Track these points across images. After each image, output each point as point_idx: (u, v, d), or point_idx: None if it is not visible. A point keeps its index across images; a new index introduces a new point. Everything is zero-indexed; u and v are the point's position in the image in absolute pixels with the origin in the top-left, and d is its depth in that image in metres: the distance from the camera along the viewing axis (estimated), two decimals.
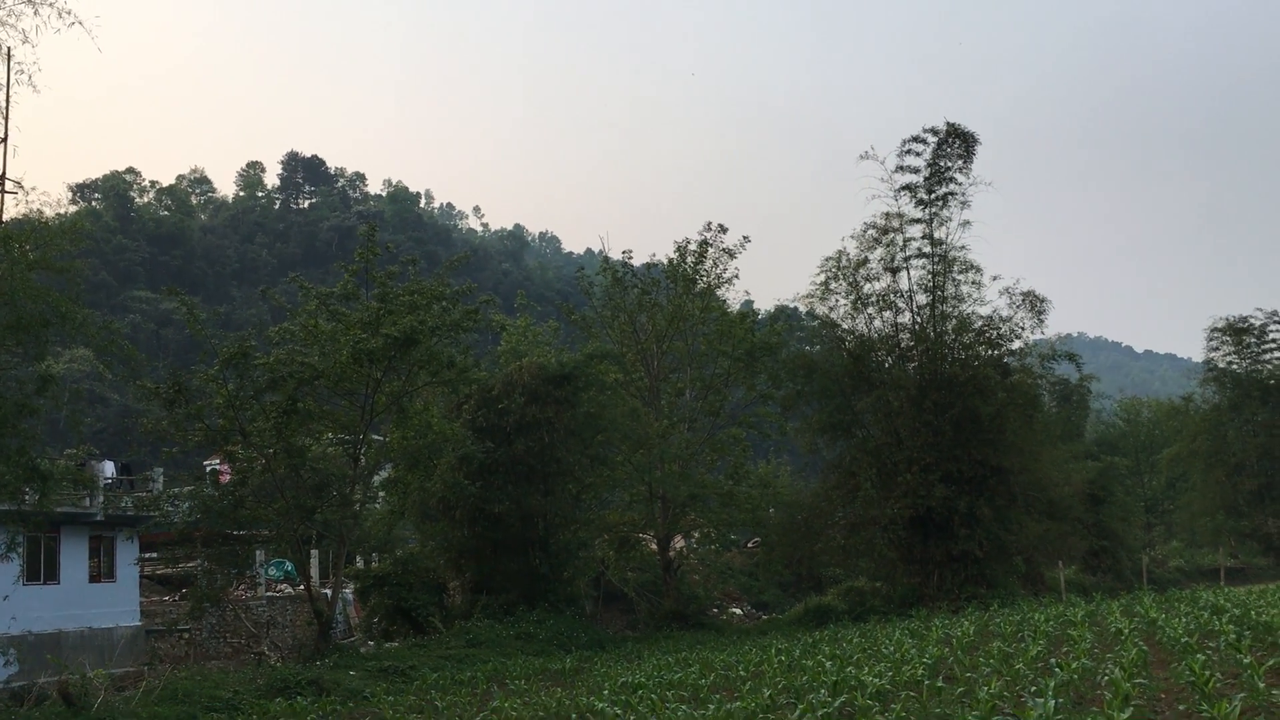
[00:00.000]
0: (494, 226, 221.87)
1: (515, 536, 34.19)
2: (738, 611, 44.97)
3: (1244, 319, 63.17)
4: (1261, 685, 10.32)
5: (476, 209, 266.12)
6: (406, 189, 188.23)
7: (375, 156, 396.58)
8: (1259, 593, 26.96)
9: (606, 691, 17.03)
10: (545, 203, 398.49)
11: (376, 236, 31.67)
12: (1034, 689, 11.51)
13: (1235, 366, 63.41)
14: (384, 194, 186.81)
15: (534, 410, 33.85)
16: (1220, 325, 63.59)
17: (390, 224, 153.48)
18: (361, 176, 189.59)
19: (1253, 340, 63.03)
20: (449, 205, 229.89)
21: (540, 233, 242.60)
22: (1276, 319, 62.95)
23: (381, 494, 36.06)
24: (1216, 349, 63.96)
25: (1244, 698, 10.01)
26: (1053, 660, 14.08)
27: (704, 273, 42.68)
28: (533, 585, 34.10)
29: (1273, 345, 62.98)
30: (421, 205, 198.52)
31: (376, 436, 33.44)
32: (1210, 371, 64.66)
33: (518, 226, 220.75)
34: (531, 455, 34.00)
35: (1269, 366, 62.76)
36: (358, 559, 41.38)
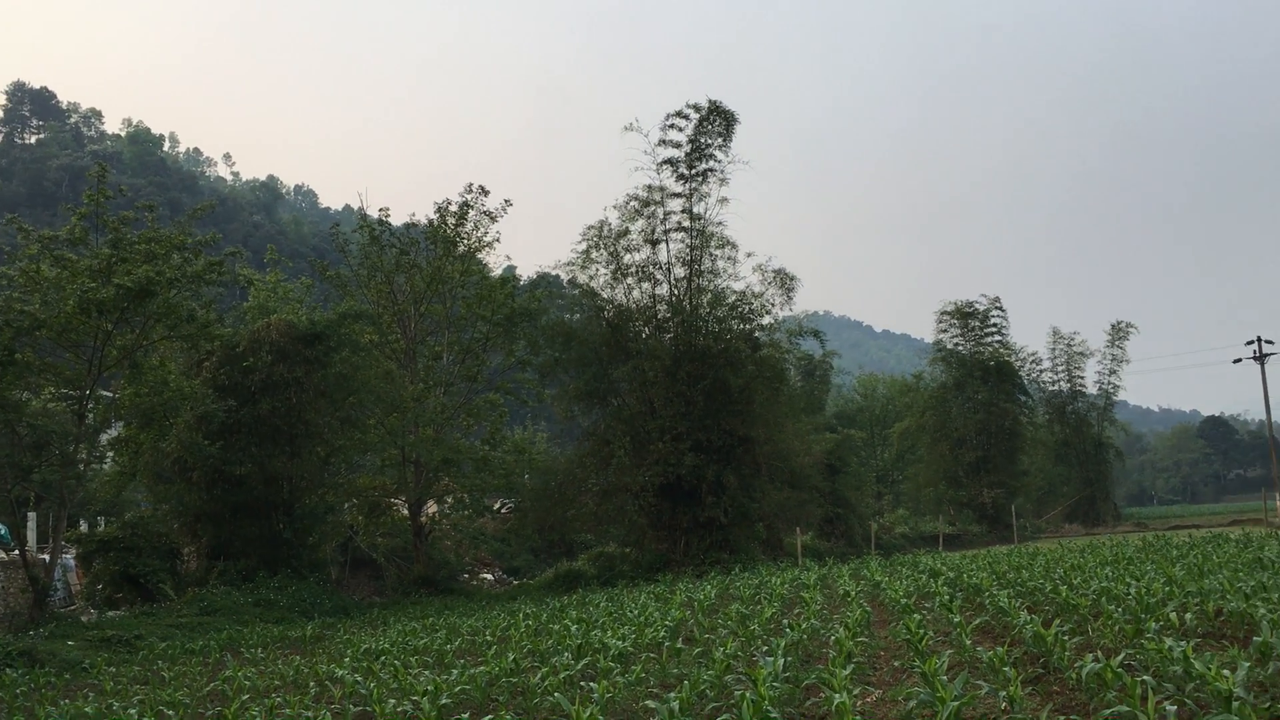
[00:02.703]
0: (245, 176, 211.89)
1: (258, 500, 32.84)
2: (489, 577, 44.84)
3: (970, 304, 68.39)
4: (968, 642, 11.13)
5: (227, 156, 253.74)
6: (148, 130, 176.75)
7: (114, 94, 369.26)
8: (971, 557, 29.24)
9: (348, 659, 16.63)
10: (302, 155, 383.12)
11: (109, 178, 29.38)
12: (766, 649, 11.99)
13: (961, 348, 68.45)
14: (123, 134, 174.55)
15: (282, 369, 32.54)
16: (949, 309, 68.55)
17: (129, 167, 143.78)
18: (98, 114, 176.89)
19: (976, 324, 68.24)
20: (196, 151, 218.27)
21: (296, 186, 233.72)
22: (998, 305, 68.45)
23: (110, 454, 33.78)
24: (945, 331, 68.97)
25: (952, 654, 10.79)
26: (785, 621, 14.73)
27: (465, 235, 42.06)
28: (275, 550, 32.88)
29: (994, 329, 68.45)
30: (165, 149, 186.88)
31: (106, 393, 31.25)
32: (939, 352, 69.51)
33: (271, 178, 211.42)
34: (278, 416, 32.69)
35: (990, 348, 68.07)
36: (81, 522, 38.69)
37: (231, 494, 32.47)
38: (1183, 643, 8.88)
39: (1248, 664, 8.12)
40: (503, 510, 47.22)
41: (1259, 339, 63.79)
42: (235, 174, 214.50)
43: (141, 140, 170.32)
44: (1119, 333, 76.59)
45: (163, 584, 31.40)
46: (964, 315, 68.11)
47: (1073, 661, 9.51)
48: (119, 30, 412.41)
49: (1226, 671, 7.54)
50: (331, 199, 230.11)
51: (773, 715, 8.25)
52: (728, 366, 38.39)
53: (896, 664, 11.32)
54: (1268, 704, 7.52)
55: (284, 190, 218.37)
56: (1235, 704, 7.04)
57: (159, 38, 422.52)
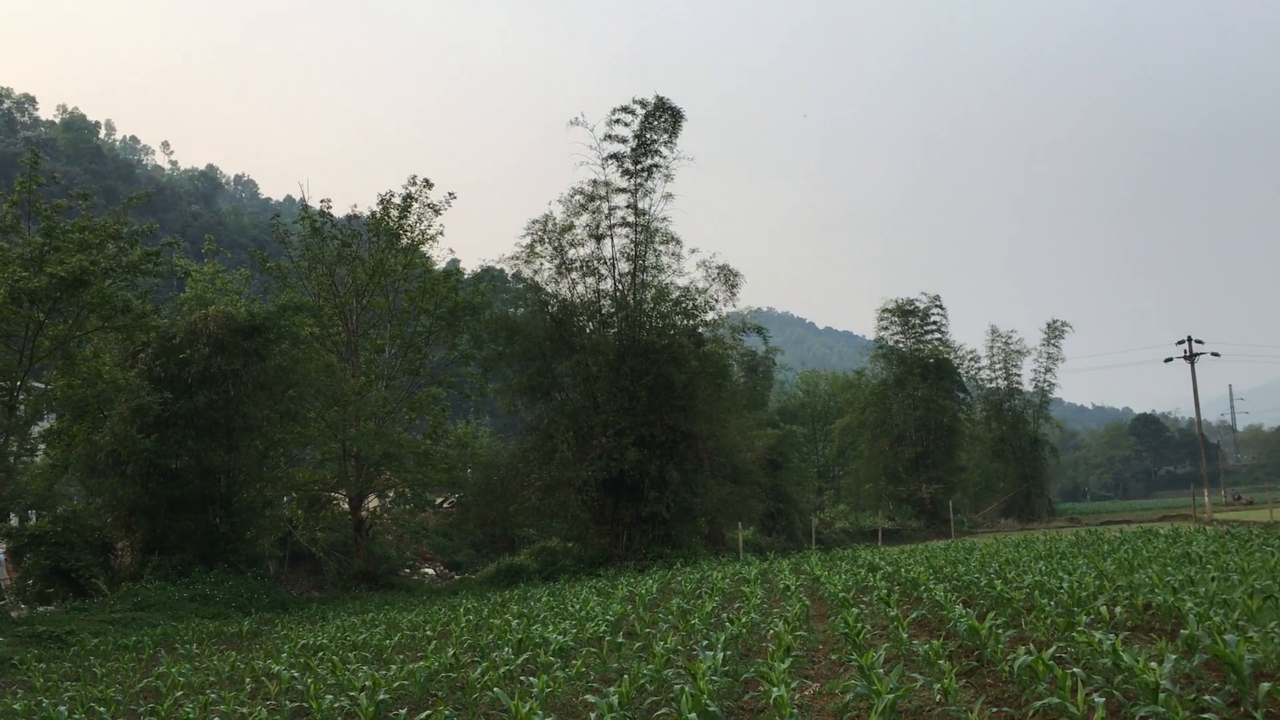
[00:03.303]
0: (184, 165, 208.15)
1: (194, 494, 32.32)
2: (430, 572, 44.58)
3: (910, 302, 69.11)
4: (905, 636, 11.29)
5: (165, 145, 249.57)
6: (84, 117, 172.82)
7: (48, 79, 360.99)
8: (909, 552, 29.61)
9: (285, 654, 16.45)
10: (243, 144, 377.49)
11: (42, 165, 28.77)
12: (706, 643, 12.06)
13: (901, 345, 69.19)
14: (57, 121, 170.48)
15: (220, 361, 32.04)
16: (890, 307, 69.28)
17: (63, 154, 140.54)
18: (31, 99, 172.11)
19: (917, 321, 69.03)
20: (133, 139, 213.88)
21: (236, 175, 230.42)
22: (938, 303, 69.31)
23: (41, 446, 33.11)
24: (886, 328, 69.69)
25: (888, 647, 10.93)
26: (725, 616, 14.83)
27: (408, 228, 41.66)
28: (212, 545, 32.39)
29: (933, 327, 69.31)
30: (101, 136, 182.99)
31: (37, 384, 30.62)
32: (880, 349, 70.22)
33: (211, 167, 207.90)
34: (215, 409, 32.20)
35: (929, 345, 68.92)
36: (11, 516, 37.83)
37: (167, 488, 31.92)
38: (1112, 636, 9.08)
39: (1174, 656, 8.33)
40: (444, 505, 46.96)
41: (1189, 339, 65.28)
42: (173, 163, 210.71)
43: (76, 127, 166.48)
44: (1055, 331, 77.83)
45: (95, 579, 30.83)
46: (905, 313, 68.89)
47: (1006, 654, 9.68)
48: (54, 14, 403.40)
49: (1154, 664, 7.71)
50: (272, 190, 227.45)
51: (711, 709, 8.31)
52: (671, 362, 38.50)
53: (834, 657, 11.45)
54: (1193, 695, 7.70)
55: (223, 180, 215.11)
56: (1162, 696, 7.22)
57: (96, 22, 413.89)
